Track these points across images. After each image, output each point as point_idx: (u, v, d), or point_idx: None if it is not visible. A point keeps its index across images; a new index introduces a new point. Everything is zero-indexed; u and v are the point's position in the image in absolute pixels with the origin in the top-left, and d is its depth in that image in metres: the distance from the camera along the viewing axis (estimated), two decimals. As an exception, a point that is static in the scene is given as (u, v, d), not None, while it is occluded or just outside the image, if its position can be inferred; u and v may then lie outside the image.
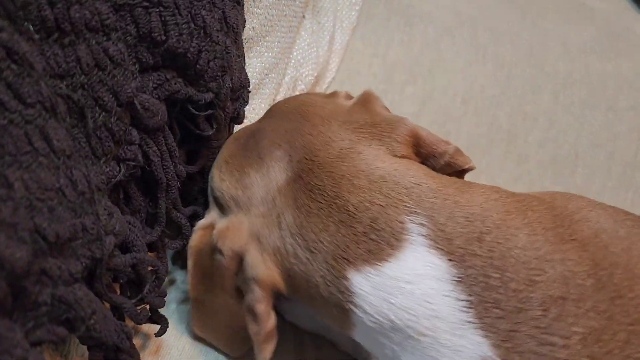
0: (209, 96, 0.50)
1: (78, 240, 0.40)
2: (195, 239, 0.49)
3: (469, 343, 0.40)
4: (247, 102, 0.55)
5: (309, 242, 0.43)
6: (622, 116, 0.84)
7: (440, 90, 0.83)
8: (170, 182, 0.51)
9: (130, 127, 0.46)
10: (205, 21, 0.45)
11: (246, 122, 0.62)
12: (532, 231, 0.43)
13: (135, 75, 0.44)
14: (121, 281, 0.49)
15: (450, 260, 0.41)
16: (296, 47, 0.71)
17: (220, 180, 0.50)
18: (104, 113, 0.40)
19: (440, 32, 0.89)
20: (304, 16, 0.73)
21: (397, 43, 0.88)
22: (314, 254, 0.43)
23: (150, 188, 0.51)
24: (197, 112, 0.50)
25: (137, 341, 0.48)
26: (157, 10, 0.42)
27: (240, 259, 0.45)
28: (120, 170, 0.46)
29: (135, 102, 0.44)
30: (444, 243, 0.42)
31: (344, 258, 0.42)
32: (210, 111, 0.51)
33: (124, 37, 0.42)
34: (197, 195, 0.57)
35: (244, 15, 0.52)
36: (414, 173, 0.45)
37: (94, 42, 0.39)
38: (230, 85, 0.51)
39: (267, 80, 0.64)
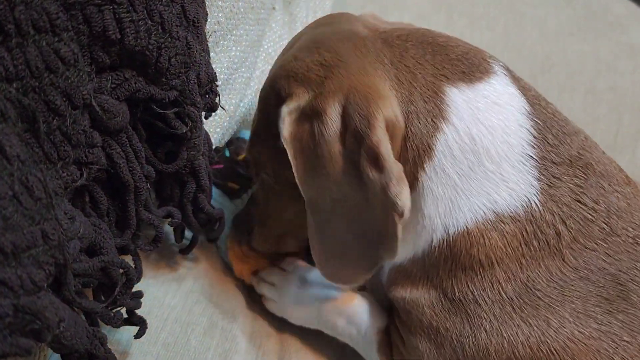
0: (173, 94, 0.48)
1: (38, 247, 0.39)
2: (288, 125, 0.45)
3: (522, 181, 0.45)
4: (218, 93, 0.53)
5: (411, 67, 0.46)
6: (602, 98, 0.83)
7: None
8: (138, 184, 0.50)
9: (91, 130, 0.44)
10: (163, 17, 0.44)
11: (216, 119, 0.61)
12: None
13: (91, 76, 0.42)
14: (92, 286, 0.48)
15: (526, 99, 0.48)
16: (266, 40, 0.70)
17: (298, 60, 0.48)
18: (57, 117, 0.39)
19: (415, 19, 0.87)
20: (274, 8, 0.72)
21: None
22: (415, 75, 0.46)
23: (119, 191, 0.50)
24: (162, 111, 0.49)
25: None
26: (111, 7, 0.41)
27: (346, 111, 0.44)
28: (82, 175, 0.44)
29: (93, 103, 0.42)
30: (520, 86, 0.49)
31: (442, 75, 0.46)
32: (176, 109, 0.50)
33: (77, 37, 0.41)
34: (175, 196, 0.56)
35: (205, 9, 0.50)
36: None
37: (44, 43, 0.38)
38: (197, 81, 0.50)
39: (237, 75, 0.63)
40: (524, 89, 0.49)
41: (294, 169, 0.45)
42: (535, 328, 0.44)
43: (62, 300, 0.43)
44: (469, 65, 0.47)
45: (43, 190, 0.38)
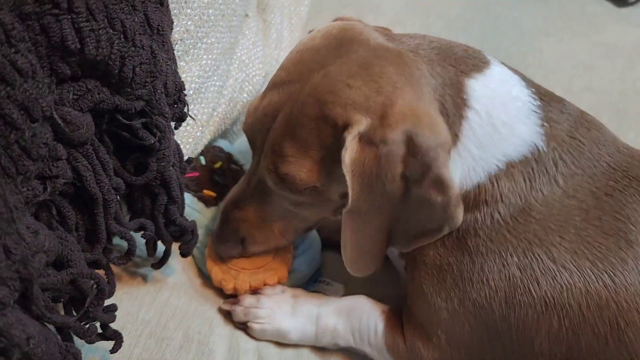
0: (139, 104, 0.47)
1: (1, 263, 0.38)
2: (351, 151, 0.48)
3: (530, 131, 0.53)
4: (187, 102, 0.52)
5: (441, 73, 0.52)
6: (579, 97, 0.82)
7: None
8: (107, 197, 0.49)
9: (54, 143, 0.43)
10: (125, 25, 0.43)
11: (188, 128, 0.60)
12: None
13: (51, 88, 0.41)
14: (62, 300, 0.47)
15: (517, 74, 0.57)
16: (240, 47, 0.69)
17: (353, 88, 0.50)
18: (14, 131, 0.37)
19: (391, 23, 0.87)
20: (247, 15, 0.71)
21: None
22: (444, 79, 0.52)
23: (88, 204, 0.49)
24: (128, 122, 0.48)
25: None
26: (69, 17, 0.40)
27: (411, 140, 0.48)
28: (46, 189, 0.43)
29: (55, 116, 0.41)
30: (509, 67, 0.58)
31: (461, 72, 0.53)
32: (143, 119, 0.49)
33: (35, 48, 0.39)
34: (146, 209, 0.54)
35: (170, 17, 0.49)
36: None
37: (-1, 54, 0.37)
38: (164, 91, 0.49)
39: (209, 83, 0.62)
40: (512, 69, 0.57)
41: (350, 188, 0.49)
42: (524, 240, 0.52)
43: (31, 316, 0.42)
44: (474, 58, 0.55)
45: (3, 204, 0.37)
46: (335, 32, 0.54)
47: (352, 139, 0.48)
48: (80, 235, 0.50)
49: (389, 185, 0.49)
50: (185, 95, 0.52)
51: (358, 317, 0.57)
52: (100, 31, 0.42)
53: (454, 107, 0.52)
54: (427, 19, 0.89)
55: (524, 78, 0.57)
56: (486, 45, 0.86)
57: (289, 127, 0.50)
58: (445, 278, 0.54)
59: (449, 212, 0.50)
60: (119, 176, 0.50)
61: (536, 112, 0.54)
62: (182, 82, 0.51)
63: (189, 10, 0.57)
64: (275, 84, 0.53)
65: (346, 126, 0.48)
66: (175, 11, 0.55)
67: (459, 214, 0.51)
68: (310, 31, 0.57)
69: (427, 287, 0.54)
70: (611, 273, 0.51)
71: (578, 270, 0.51)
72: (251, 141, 0.55)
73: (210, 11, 0.60)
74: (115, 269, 0.53)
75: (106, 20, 0.42)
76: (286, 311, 0.57)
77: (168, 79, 0.49)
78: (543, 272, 0.51)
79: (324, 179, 0.51)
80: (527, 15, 0.93)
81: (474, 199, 0.53)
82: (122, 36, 0.44)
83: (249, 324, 0.57)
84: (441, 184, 0.49)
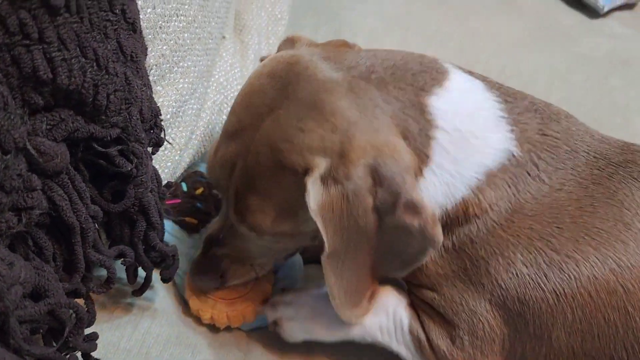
0: (115, 131, 0.47)
1: (-25, 298, 0.37)
2: (315, 195, 0.47)
3: (501, 138, 0.52)
4: (163, 128, 0.52)
5: (399, 97, 0.50)
6: (557, 108, 0.84)
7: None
8: (84, 225, 0.48)
9: (28, 174, 0.43)
10: (98, 53, 0.43)
11: (166, 153, 0.60)
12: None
13: (24, 119, 0.40)
14: (41, 331, 0.46)
15: (477, 78, 0.56)
16: (217, 69, 0.69)
17: (307, 132, 0.48)
18: (-14, 163, 0.37)
19: (369, 39, 0.88)
20: (224, 37, 0.71)
21: (327, 54, 0.86)
22: (404, 102, 0.50)
23: (65, 234, 0.48)
24: (104, 150, 0.47)
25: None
26: (40, 47, 0.39)
27: (375, 171, 0.47)
28: (21, 220, 0.43)
29: (28, 147, 0.41)
30: (466, 70, 0.56)
31: (420, 90, 0.51)
32: (119, 147, 0.48)
33: (6, 80, 0.39)
34: (125, 236, 0.54)
35: (144, 43, 0.49)
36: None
37: (-31, 87, 0.36)
38: (139, 117, 0.48)
39: (186, 107, 0.62)
40: (470, 72, 0.56)
41: (324, 233, 0.47)
42: (523, 237, 0.52)
43: (9, 350, 0.41)
44: (431, 70, 0.53)
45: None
46: (281, 69, 0.51)
47: (314, 183, 0.47)
48: (58, 265, 0.49)
49: (362, 221, 0.48)
50: (162, 120, 0.51)
51: (385, 309, 0.56)
52: (73, 60, 0.42)
53: (420, 129, 0.50)
54: (405, 35, 0.90)
55: (484, 81, 0.56)
56: (464, 59, 0.87)
57: (248, 179, 0.49)
58: (454, 284, 0.54)
59: (427, 233, 0.49)
60: (96, 204, 0.50)
61: (504, 117, 0.53)
62: (158, 107, 0.51)
63: (164, 35, 0.57)
64: (227, 133, 0.52)
65: (306, 171, 0.47)
66: (149, 37, 0.55)
67: (438, 233, 0.50)
68: (262, 59, 0.56)
69: (438, 293, 0.54)
70: (615, 257, 0.51)
71: (583, 258, 0.51)
72: (216, 186, 0.54)
73: (186, 35, 0.60)
74: (95, 297, 0.52)
75: (78, 49, 0.42)
76: (311, 311, 0.57)
77: (143, 105, 0.48)
78: (548, 264, 0.51)
79: (293, 224, 0.50)
80: (505, 28, 0.94)
81: (463, 213, 0.52)
82: (94, 64, 0.43)
83: (276, 327, 0.57)
84: (414, 207, 0.48)
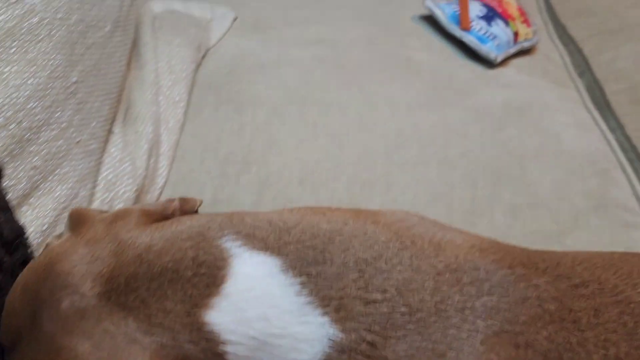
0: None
1: None
2: None
3: (315, 327, 0.43)
4: (30, 246, 0.51)
5: (161, 319, 0.42)
6: (455, 165, 0.86)
7: (276, 175, 0.82)
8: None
9: None
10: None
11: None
12: (333, 217, 0.50)
13: None
14: None
15: (271, 254, 0.46)
16: (106, 167, 0.68)
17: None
18: None
19: (270, 114, 0.89)
20: (112, 132, 0.71)
21: (228, 133, 0.87)
22: (172, 327, 0.42)
23: None
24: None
25: None
26: None
27: None
28: None
29: None
30: (260, 245, 0.47)
31: (193, 304, 0.43)
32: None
33: None
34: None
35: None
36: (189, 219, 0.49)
37: None
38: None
39: (66, 214, 0.61)
40: (264, 244, 0.47)
41: None
42: None
43: None
44: (208, 271, 0.45)
45: None
46: (34, 282, 0.45)
47: None
48: None
49: None
50: (27, 238, 0.50)
51: None
52: None
53: (204, 352, 0.42)
54: (304, 107, 0.91)
55: (277, 245, 0.46)
56: (363, 125, 0.89)
57: None
58: None
59: None
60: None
61: (310, 302, 0.44)
62: (21, 227, 0.50)
63: (34, 147, 0.57)
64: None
65: None
66: (16, 151, 0.54)
67: None
68: (46, 245, 0.52)
69: None
70: None
71: None
72: None
73: (61, 142, 0.60)
74: None
75: None
76: None
77: (3, 230, 0.47)
78: None
79: None
80: (401, 91, 0.96)
81: None
82: None
83: None
84: None
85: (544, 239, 0.80)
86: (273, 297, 0.44)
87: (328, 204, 0.81)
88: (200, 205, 0.60)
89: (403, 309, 0.44)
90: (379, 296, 0.44)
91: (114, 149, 0.70)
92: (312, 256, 0.46)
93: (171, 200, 0.57)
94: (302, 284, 0.45)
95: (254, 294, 0.44)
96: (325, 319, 0.44)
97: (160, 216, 0.54)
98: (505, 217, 0.82)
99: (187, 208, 0.58)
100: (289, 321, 0.43)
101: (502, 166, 0.87)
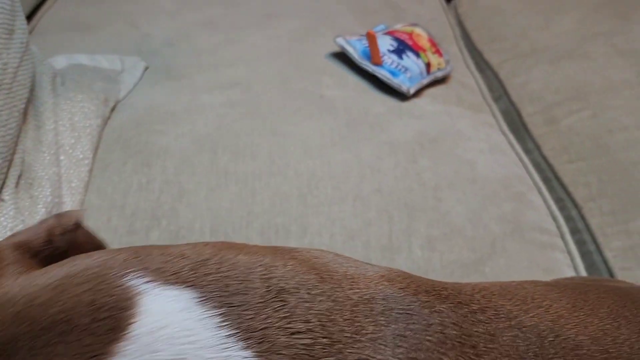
0: None
1: None
2: None
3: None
4: None
5: None
6: (370, 201, 0.85)
7: (187, 227, 0.80)
8: None
9: None
10: None
11: None
12: (251, 250, 0.47)
13: None
14: None
15: (186, 287, 0.42)
16: (-8, 238, 0.64)
17: None
18: None
19: (179, 165, 0.87)
20: (2, 199, 0.67)
21: (135, 188, 0.84)
22: None
23: None
24: None
25: None
26: None
27: None
28: None
29: None
30: (173, 278, 0.42)
31: (94, 356, 0.37)
32: None
33: None
34: None
35: None
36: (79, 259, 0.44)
37: None
38: None
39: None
40: (177, 277, 0.43)
41: None
42: None
43: None
44: (110, 314, 0.39)
45: None
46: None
47: None
48: None
49: None
50: None
51: None
52: None
53: None
54: (215, 154, 0.89)
55: (196, 285, 0.42)
56: (275, 169, 0.87)
57: None
58: None
59: None
60: None
61: (232, 334, 0.40)
62: None
63: None
64: None
65: None
66: None
67: None
68: None
69: None
70: None
71: None
72: None
73: None
74: None
75: None
76: None
77: None
78: None
79: None
80: (313, 130, 0.96)
81: None
82: None
83: None
84: None
85: (463, 269, 0.80)
86: (190, 332, 0.39)
87: (242, 253, 0.79)
88: (83, 215, 0.55)
89: (324, 340, 0.42)
90: (302, 326, 0.42)
91: (3, 218, 0.66)
92: (233, 286, 0.42)
93: (44, 221, 0.51)
94: (223, 315, 0.41)
95: (168, 331, 0.39)
96: (248, 352, 0.40)
97: (40, 243, 0.49)
98: (423, 250, 0.81)
99: (64, 221, 0.53)
100: (210, 357, 0.39)
101: (417, 198, 0.86)
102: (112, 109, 0.99)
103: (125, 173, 0.86)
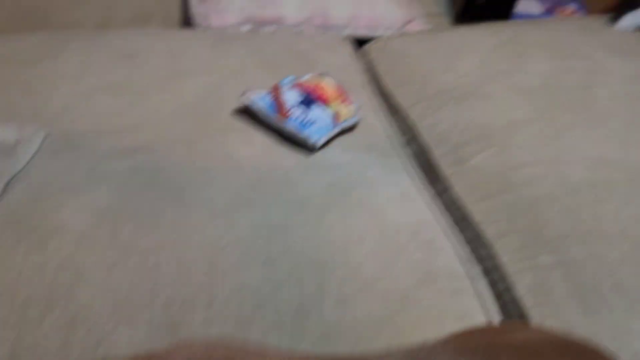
0: None
1: None
2: None
3: None
4: None
5: None
6: (280, 264, 0.84)
7: (85, 310, 0.75)
8: None
9: None
10: None
11: None
12: None
13: None
14: None
15: None
16: None
17: None
18: None
19: (76, 242, 0.83)
20: None
21: (28, 271, 0.79)
22: None
23: None
24: None
25: None
26: None
27: None
28: None
29: None
30: None
31: None
32: None
33: None
34: None
35: None
36: None
37: None
38: None
39: None
40: None
41: None
42: None
43: None
44: None
45: None
46: None
47: None
48: None
49: None
50: None
51: None
52: None
53: None
54: (115, 228, 0.86)
55: None
56: (179, 235, 0.84)
57: None
58: None
59: None
60: None
61: None
62: None
63: None
64: None
65: None
66: None
67: None
68: None
69: None
70: None
71: None
72: None
73: None
74: None
75: None
76: None
77: None
78: None
79: None
80: (220, 192, 0.94)
81: None
82: None
83: None
84: None
85: (376, 325, 0.79)
86: None
87: (145, 332, 0.75)
88: None
89: None
90: None
91: None
92: None
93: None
94: None
95: None
96: None
97: None
98: (336, 309, 0.80)
99: None
100: None
101: (327, 256, 0.85)
102: (6, 184, 0.94)
103: (18, 256, 0.81)
